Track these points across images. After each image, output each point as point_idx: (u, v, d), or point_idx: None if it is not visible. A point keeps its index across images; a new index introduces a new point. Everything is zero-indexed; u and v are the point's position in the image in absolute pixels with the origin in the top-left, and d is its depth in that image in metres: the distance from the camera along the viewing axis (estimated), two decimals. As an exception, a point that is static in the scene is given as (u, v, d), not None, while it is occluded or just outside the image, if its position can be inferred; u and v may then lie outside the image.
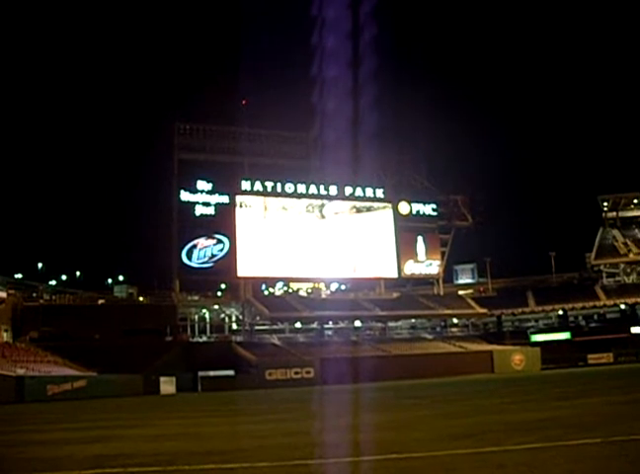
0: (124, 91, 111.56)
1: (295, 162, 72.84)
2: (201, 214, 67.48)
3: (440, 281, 79.51)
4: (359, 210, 75.07)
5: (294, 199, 72.49)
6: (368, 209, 75.71)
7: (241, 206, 69.53)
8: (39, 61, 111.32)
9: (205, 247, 66.90)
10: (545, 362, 64.85)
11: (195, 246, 66.36)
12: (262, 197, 71.03)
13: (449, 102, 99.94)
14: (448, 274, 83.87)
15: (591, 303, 74.67)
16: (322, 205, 73.38)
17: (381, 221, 76.34)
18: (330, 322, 71.90)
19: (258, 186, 70.83)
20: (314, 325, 70.76)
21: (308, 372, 56.74)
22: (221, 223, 67.63)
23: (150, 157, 73.77)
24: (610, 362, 64.60)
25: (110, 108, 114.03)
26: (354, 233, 73.53)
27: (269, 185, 71.21)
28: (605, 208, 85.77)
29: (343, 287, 77.30)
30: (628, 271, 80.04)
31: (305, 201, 72.97)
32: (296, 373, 56.87)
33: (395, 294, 76.90)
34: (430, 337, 73.88)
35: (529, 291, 78.85)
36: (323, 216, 73.12)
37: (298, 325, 70.57)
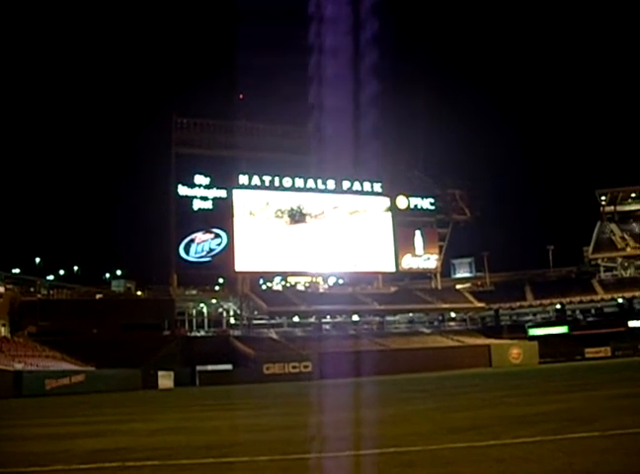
0: (122, 86, 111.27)
1: (293, 156, 72.72)
2: (199, 209, 67.46)
3: (438, 275, 79.62)
4: (355, 212, 75.10)
5: (292, 193, 72.55)
6: (365, 210, 75.73)
7: (238, 205, 69.55)
8: (37, 57, 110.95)
9: (203, 241, 66.89)
10: (543, 356, 65.00)
11: (192, 240, 66.35)
12: (260, 192, 71.01)
13: (447, 95, 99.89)
14: (446, 268, 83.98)
15: (588, 297, 74.80)
16: (299, 211, 72.88)
17: (379, 215, 76.41)
18: (328, 316, 72.00)
19: (256, 180, 70.84)
20: (312, 319, 70.85)
21: (306, 367, 56.79)
22: (219, 218, 67.61)
23: (148, 151, 73.74)
24: (608, 356, 64.78)
25: (107, 102, 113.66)
26: (351, 227, 73.62)
27: (266, 179, 71.24)
28: (603, 202, 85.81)
29: (341, 282, 77.36)
30: (626, 265, 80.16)
31: (305, 199, 73.02)
32: (294, 368, 56.92)
33: (393, 288, 76.96)
34: (427, 331, 74.01)
35: (527, 285, 78.96)
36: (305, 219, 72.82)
37: (296, 319, 70.63)
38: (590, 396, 15.15)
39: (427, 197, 79.64)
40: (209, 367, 55.36)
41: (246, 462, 7.39)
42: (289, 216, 71.89)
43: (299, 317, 70.37)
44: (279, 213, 71.55)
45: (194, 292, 69.42)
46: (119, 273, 73.59)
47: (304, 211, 72.84)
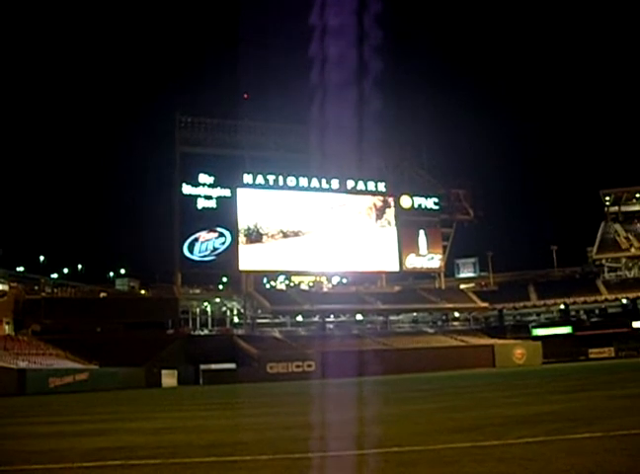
0: (126, 85, 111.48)
1: (297, 155, 72.73)
2: (203, 208, 67.52)
3: (442, 275, 79.55)
4: (359, 211, 75.09)
5: (296, 192, 72.53)
6: (369, 210, 75.66)
7: (242, 204, 69.58)
8: (41, 58, 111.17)
9: (207, 240, 66.95)
10: (546, 357, 64.89)
11: (196, 239, 66.41)
12: (264, 191, 71.03)
13: (452, 96, 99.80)
14: (450, 267, 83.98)
15: (592, 298, 74.67)
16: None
17: (383, 215, 76.40)
18: (331, 315, 72.00)
19: (260, 179, 70.86)
20: (316, 318, 70.84)
21: (309, 366, 56.79)
22: (223, 216, 67.66)
23: (152, 151, 73.89)
24: (612, 357, 64.70)
25: (111, 102, 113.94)
26: (355, 226, 73.57)
27: (270, 178, 71.26)
28: (608, 203, 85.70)
29: (344, 281, 77.36)
30: (630, 265, 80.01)
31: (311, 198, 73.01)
32: (298, 367, 56.96)
33: (397, 288, 76.94)
34: (431, 330, 73.95)
35: (531, 285, 78.85)
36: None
37: (300, 318, 70.65)
38: (593, 396, 15.13)
39: (431, 197, 79.57)
40: (213, 366, 55.45)
41: (249, 461, 7.39)
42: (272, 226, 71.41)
43: (303, 316, 70.39)
44: (282, 213, 71.53)
45: (197, 291, 69.49)
46: (122, 271, 73.79)
47: (307, 211, 72.78)
